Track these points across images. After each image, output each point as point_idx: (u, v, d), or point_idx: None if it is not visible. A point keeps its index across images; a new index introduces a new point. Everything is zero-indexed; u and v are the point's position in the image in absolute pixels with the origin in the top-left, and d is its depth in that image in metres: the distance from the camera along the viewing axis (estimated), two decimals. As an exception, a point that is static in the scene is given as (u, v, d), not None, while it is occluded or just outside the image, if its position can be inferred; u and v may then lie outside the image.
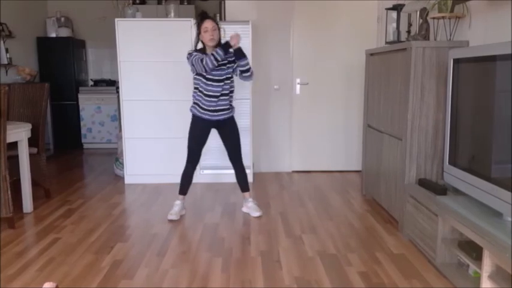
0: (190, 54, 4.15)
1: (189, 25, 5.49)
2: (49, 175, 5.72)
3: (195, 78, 4.25)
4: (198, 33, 4.19)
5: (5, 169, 4.03)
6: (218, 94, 4.20)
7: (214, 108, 4.23)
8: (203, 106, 4.22)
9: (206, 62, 4.01)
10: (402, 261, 3.41)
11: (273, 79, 6.19)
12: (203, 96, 4.20)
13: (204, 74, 4.13)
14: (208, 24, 4.12)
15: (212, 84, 4.17)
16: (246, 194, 4.58)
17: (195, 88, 4.27)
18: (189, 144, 4.39)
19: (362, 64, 5.33)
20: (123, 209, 4.75)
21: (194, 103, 4.29)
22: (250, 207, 4.51)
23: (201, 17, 4.18)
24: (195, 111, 4.28)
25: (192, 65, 4.10)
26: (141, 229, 4.14)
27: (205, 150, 5.73)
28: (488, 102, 2.87)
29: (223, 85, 4.21)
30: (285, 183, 5.76)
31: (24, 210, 4.57)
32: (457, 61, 3.28)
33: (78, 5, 8.58)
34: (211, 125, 4.34)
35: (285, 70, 6.18)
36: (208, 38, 4.13)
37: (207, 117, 4.25)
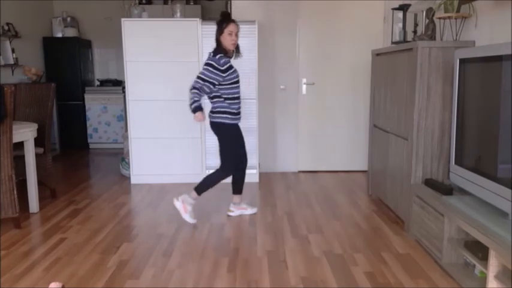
0: (207, 66, 4.05)
1: (195, 25, 5.50)
2: (55, 175, 5.74)
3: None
4: (220, 34, 4.10)
5: (11, 169, 4.05)
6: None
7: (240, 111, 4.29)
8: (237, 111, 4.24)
9: (191, 95, 4.02)
10: (408, 261, 3.40)
11: (279, 79, 6.19)
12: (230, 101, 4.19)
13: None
14: (233, 28, 4.08)
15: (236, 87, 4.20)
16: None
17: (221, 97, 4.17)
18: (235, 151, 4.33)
19: (368, 64, 5.33)
20: (129, 209, 4.76)
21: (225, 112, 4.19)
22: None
23: (227, 18, 4.12)
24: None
25: (193, 82, 4.05)
26: (147, 229, 4.15)
27: (211, 150, 5.78)
28: (494, 102, 2.86)
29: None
30: (291, 183, 5.76)
31: (31, 210, 4.58)
32: (463, 61, 3.27)
33: (84, 5, 8.60)
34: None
35: (291, 70, 6.17)
36: (231, 42, 4.09)
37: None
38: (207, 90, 4.04)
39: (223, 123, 4.16)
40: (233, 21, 4.10)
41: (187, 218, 4.26)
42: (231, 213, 4.52)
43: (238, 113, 4.24)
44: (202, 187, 4.28)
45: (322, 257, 3.50)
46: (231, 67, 4.10)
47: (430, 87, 3.69)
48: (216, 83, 4.03)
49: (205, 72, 4.01)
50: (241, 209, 4.54)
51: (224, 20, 4.10)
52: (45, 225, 4.23)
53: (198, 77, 4.02)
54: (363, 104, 6.19)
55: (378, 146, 4.78)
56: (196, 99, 4.00)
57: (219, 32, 4.09)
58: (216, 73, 4.00)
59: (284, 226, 4.21)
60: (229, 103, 4.13)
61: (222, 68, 4.02)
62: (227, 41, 4.08)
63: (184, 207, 4.27)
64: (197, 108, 4.01)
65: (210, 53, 4.13)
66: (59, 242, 3.83)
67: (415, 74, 3.69)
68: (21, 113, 5.07)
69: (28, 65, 7.21)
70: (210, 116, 4.20)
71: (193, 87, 4.01)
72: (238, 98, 4.21)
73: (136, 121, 5.67)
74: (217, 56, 4.05)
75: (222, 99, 4.10)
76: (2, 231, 4.07)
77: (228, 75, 4.05)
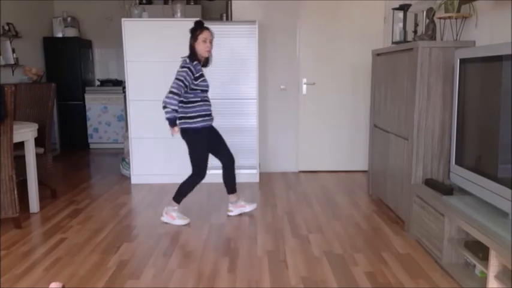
0: (183, 68, 4.02)
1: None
2: (55, 175, 5.73)
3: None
4: (194, 41, 4.08)
5: (12, 169, 4.05)
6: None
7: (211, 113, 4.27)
8: (205, 112, 4.19)
9: (170, 100, 3.94)
10: (408, 261, 3.40)
11: (280, 79, 6.19)
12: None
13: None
14: (208, 35, 4.09)
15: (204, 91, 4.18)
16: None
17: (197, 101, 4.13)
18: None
19: (368, 64, 5.32)
20: (130, 209, 4.76)
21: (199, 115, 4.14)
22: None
23: (201, 25, 4.11)
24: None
25: (171, 85, 3.99)
26: (148, 229, 4.15)
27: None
28: (494, 102, 2.86)
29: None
30: (292, 183, 5.76)
31: (31, 210, 4.58)
32: (463, 61, 3.27)
33: (85, 5, 8.60)
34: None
35: (291, 70, 6.18)
36: (206, 49, 4.09)
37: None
38: (182, 92, 4.03)
39: (195, 128, 4.11)
40: (207, 28, 4.11)
41: (179, 222, 4.28)
42: (230, 213, 4.52)
43: (210, 115, 4.22)
44: (179, 195, 4.31)
45: (322, 257, 3.50)
46: (202, 75, 4.11)
47: (431, 87, 3.69)
48: (188, 86, 4.02)
49: (184, 74, 3.98)
50: (239, 207, 4.53)
51: (198, 27, 4.10)
52: (46, 225, 4.23)
53: (179, 80, 3.97)
54: (363, 104, 6.19)
55: (378, 146, 4.78)
56: (174, 108, 3.97)
57: (193, 39, 4.09)
58: (191, 77, 3.99)
59: (284, 226, 4.21)
60: (204, 107, 4.13)
61: (196, 75, 4.03)
62: (201, 48, 4.08)
63: (170, 216, 4.30)
64: (175, 122, 4.02)
65: (184, 58, 4.11)
66: (59, 242, 3.83)
67: (415, 74, 3.69)
68: (22, 113, 5.07)
69: (28, 65, 7.21)
70: (180, 123, 4.13)
71: (176, 93, 3.95)
72: (209, 101, 4.22)
73: (137, 121, 5.67)
74: (194, 63, 4.05)
75: (196, 104, 4.08)
76: (2, 231, 4.07)
77: (199, 82, 4.06)
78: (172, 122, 4.01)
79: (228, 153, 4.41)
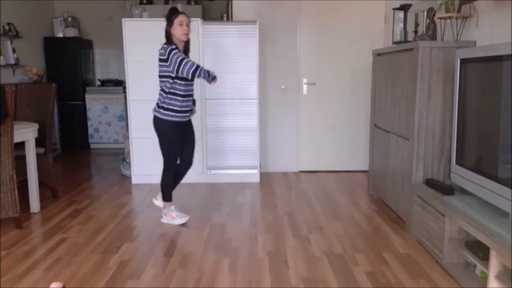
0: (173, 50, 3.88)
1: (196, 25, 5.49)
2: (56, 175, 5.74)
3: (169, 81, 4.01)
4: (171, 26, 3.98)
5: (12, 169, 4.05)
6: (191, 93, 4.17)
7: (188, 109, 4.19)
8: (180, 109, 4.09)
9: (200, 71, 3.84)
10: (409, 261, 3.40)
11: (280, 79, 6.19)
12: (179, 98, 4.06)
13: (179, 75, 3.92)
14: (184, 18, 3.98)
15: (188, 84, 4.08)
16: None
17: (171, 93, 4.02)
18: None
19: (369, 64, 5.33)
20: (130, 209, 4.76)
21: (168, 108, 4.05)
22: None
23: (175, 10, 4.02)
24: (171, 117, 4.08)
25: (179, 65, 3.84)
26: (148, 229, 4.15)
27: (212, 150, 5.77)
28: (495, 102, 2.86)
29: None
30: (292, 183, 5.76)
31: (32, 210, 4.59)
32: (464, 61, 3.27)
33: (85, 5, 8.60)
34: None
35: (292, 70, 6.17)
36: (182, 32, 3.96)
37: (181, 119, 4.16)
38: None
39: (166, 120, 4.03)
40: (183, 12, 4.03)
41: (180, 221, 4.27)
42: (156, 201, 4.45)
43: (187, 111, 4.13)
44: (165, 194, 4.30)
45: (323, 257, 3.50)
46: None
47: (431, 87, 3.69)
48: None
49: (177, 54, 3.86)
50: (158, 202, 4.44)
51: (173, 12, 4.02)
52: (46, 225, 4.23)
53: (182, 59, 3.84)
54: (364, 104, 6.19)
55: (378, 146, 4.78)
56: (204, 68, 3.89)
57: (169, 24, 3.99)
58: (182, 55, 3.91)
59: (285, 226, 4.21)
60: (182, 100, 4.02)
61: None
62: (178, 32, 3.97)
63: (170, 216, 4.29)
64: (208, 72, 3.92)
65: (163, 46, 3.98)
66: (59, 242, 3.83)
67: (416, 74, 3.69)
68: (22, 113, 5.06)
69: (29, 65, 7.21)
70: (155, 110, 4.07)
71: (193, 64, 3.83)
72: (191, 95, 4.13)
73: (137, 121, 5.66)
74: (173, 45, 3.94)
75: (174, 96, 3.99)
76: (2, 231, 4.07)
77: None
78: (207, 72, 3.90)
79: (190, 157, 4.33)
